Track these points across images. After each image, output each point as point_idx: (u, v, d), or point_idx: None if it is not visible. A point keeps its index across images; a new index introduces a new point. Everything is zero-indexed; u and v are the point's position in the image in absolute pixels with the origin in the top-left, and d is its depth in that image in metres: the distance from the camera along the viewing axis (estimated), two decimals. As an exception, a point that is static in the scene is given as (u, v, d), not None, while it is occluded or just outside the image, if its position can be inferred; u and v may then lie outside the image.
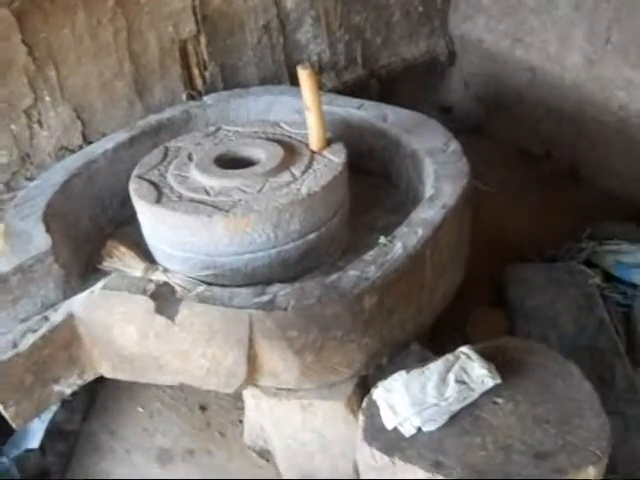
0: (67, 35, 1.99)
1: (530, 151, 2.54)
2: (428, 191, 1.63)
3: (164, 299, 1.39)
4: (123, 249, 1.68)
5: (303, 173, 1.62)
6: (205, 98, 2.12)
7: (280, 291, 1.37)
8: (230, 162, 1.70)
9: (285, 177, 1.61)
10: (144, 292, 1.38)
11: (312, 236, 1.59)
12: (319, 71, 2.47)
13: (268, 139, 1.75)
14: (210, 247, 1.54)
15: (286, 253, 1.57)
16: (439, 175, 1.65)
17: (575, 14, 2.26)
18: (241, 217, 1.50)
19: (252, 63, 2.32)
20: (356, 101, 2.01)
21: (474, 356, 1.33)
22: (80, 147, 2.11)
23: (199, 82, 2.25)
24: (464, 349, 1.35)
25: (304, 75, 1.62)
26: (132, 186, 1.64)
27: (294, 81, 2.32)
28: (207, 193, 1.58)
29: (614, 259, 1.93)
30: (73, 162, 1.85)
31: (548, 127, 2.49)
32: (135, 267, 1.65)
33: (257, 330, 1.34)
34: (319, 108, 1.65)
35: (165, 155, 1.76)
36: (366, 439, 1.27)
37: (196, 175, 1.64)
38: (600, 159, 2.32)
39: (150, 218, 1.60)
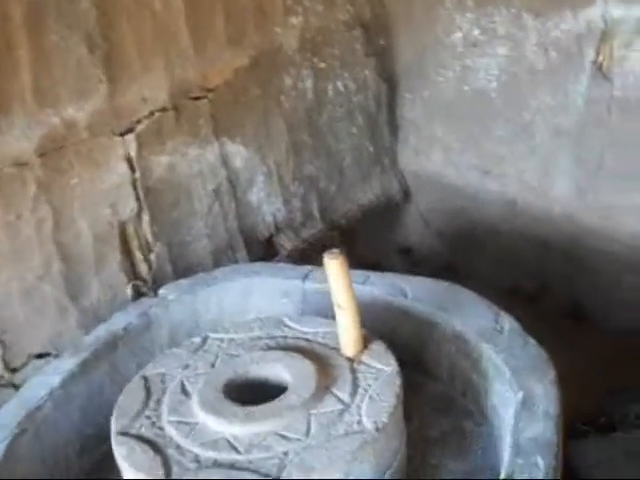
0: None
1: (520, 290, 2.26)
2: (509, 392, 1.26)
3: None
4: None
5: (352, 395, 1.21)
6: (162, 292, 1.67)
7: None
8: (244, 390, 1.27)
9: (331, 405, 1.20)
10: None
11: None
12: (275, 232, 2.09)
13: (282, 348, 1.34)
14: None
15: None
16: (515, 368, 1.29)
17: (557, 141, 2.05)
18: (300, 484, 1.06)
19: (203, 235, 1.92)
20: (359, 274, 1.64)
21: None
22: (1, 378, 1.60)
23: (144, 268, 1.81)
24: None
25: (334, 265, 1.24)
26: (120, 452, 1.16)
27: (250, 250, 1.95)
28: (234, 449, 1.13)
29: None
30: (11, 416, 1.33)
31: (536, 262, 2.22)
32: None
33: None
34: (354, 304, 1.27)
35: (147, 390, 1.29)
36: None
37: (207, 420, 1.18)
38: (607, 293, 2.07)
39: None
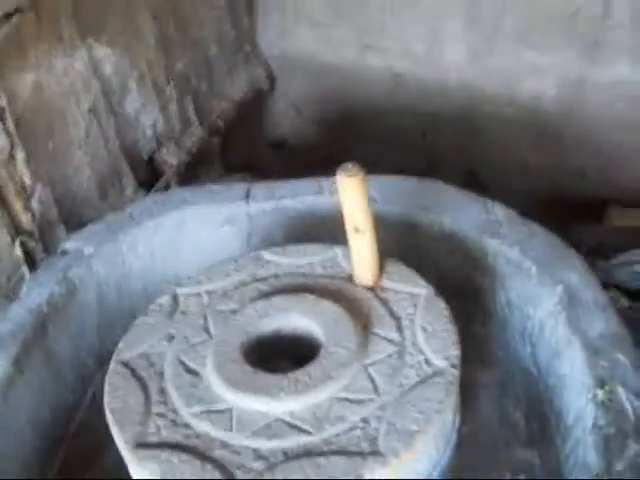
0: None
1: (409, 170, 2.15)
2: (538, 287, 1.16)
3: None
4: None
5: (400, 331, 1.03)
6: (71, 246, 1.33)
7: None
8: (264, 353, 1.04)
9: (383, 348, 1.01)
10: None
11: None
12: (157, 147, 1.77)
13: (282, 291, 1.11)
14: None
15: (443, 467, 0.99)
16: (537, 260, 1.19)
17: (446, 4, 1.90)
18: (405, 452, 0.88)
19: (84, 165, 1.56)
20: (310, 183, 1.42)
21: None
22: None
23: (26, 219, 1.43)
24: None
25: (353, 184, 1.01)
26: (152, 471, 0.89)
27: (135, 173, 1.64)
28: (301, 430, 0.92)
29: (629, 271, 1.67)
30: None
31: (426, 138, 2.13)
32: None
33: None
34: (372, 226, 1.07)
35: (139, 380, 1.01)
36: None
37: (243, 401, 0.95)
38: (504, 159, 2.04)
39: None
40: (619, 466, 0.89)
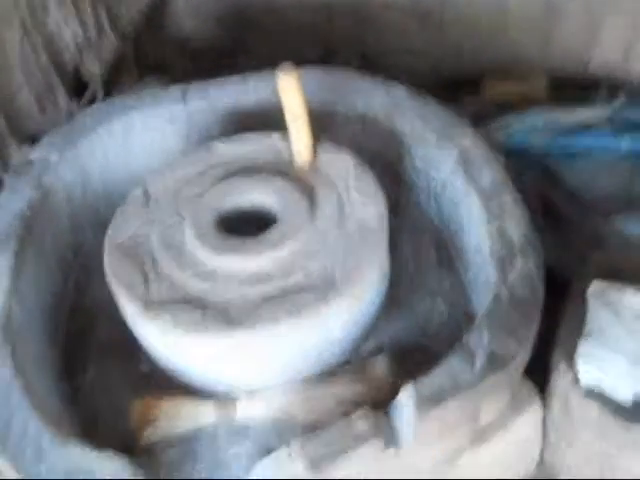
0: None
1: (306, 59, 2.37)
2: (437, 153, 1.45)
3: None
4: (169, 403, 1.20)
5: (338, 194, 1.30)
6: (37, 155, 1.50)
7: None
8: (233, 225, 1.28)
9: (327, 209, 1.28)
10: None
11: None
12: (80, 59, 1.91)
13: (236, 174, 1.35)
14: (322, 336, 1.19)
15: (382, 295, 1.30)
16: (436, 130, 1.47)
17: None
18: (358, 281, 1.18)
19: (23, 83, 1.69)
20: (236, 80, 1.63)
21: None
22: None
23: (-19, 137, 1.58)
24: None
25: (291, 81, 1.25)
26: (165, 320, 1.14)
27: (65, 86, 1.80)
28: (283, 276, 1.18)
29: (505, 133, 1.98)
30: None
31: (321, 29, 2.33)
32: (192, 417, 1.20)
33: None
34: (307, 114, 1.31)
35: (132, 256, 1.24)
36: None
37: (226, 261, 1.20)
38: (394, 44, 2.29)
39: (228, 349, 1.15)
40: (512, 276, 1.21)
